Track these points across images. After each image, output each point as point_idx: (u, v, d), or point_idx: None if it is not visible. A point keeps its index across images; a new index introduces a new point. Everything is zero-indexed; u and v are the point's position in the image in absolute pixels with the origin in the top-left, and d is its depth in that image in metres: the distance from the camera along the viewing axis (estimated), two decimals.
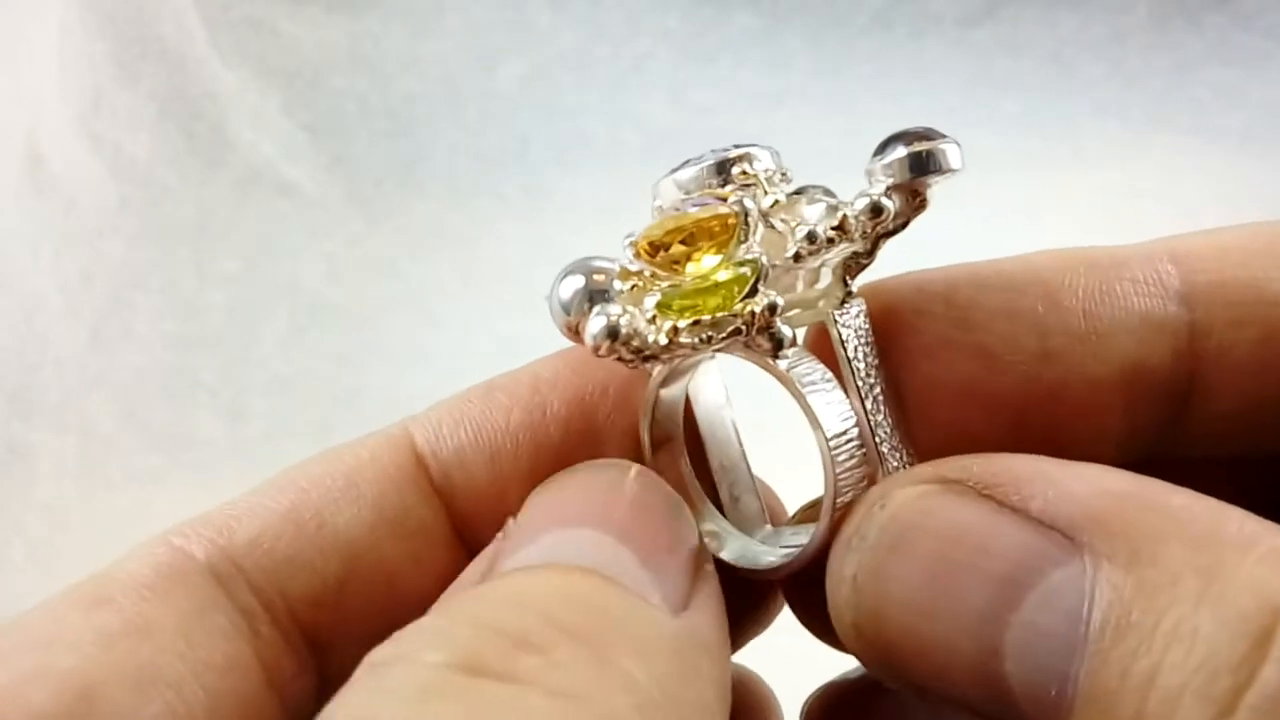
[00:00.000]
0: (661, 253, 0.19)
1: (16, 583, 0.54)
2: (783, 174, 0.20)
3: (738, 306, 0.18)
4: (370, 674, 0.15)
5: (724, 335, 0.18)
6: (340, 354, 0.66)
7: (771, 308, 0.18)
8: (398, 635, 0.15)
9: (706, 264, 0.19)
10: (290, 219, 0.73)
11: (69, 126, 0.70)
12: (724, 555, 0.21)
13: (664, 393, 0.20)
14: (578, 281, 0.18)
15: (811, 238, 0.19)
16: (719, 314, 0.18)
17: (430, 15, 0.82)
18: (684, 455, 0.21)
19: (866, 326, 0.20)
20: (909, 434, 0.20)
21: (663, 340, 0.18)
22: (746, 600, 0.22)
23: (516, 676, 0.14)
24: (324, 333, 0.67)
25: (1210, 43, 0.84)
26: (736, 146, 0.20)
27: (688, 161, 0.20)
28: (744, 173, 0.19)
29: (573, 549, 0.17)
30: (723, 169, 0.20)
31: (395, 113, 0.79)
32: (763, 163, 0.20)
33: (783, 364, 0.19)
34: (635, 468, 0.18)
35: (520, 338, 0.64)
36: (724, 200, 0.19)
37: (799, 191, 0.19)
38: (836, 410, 0.19)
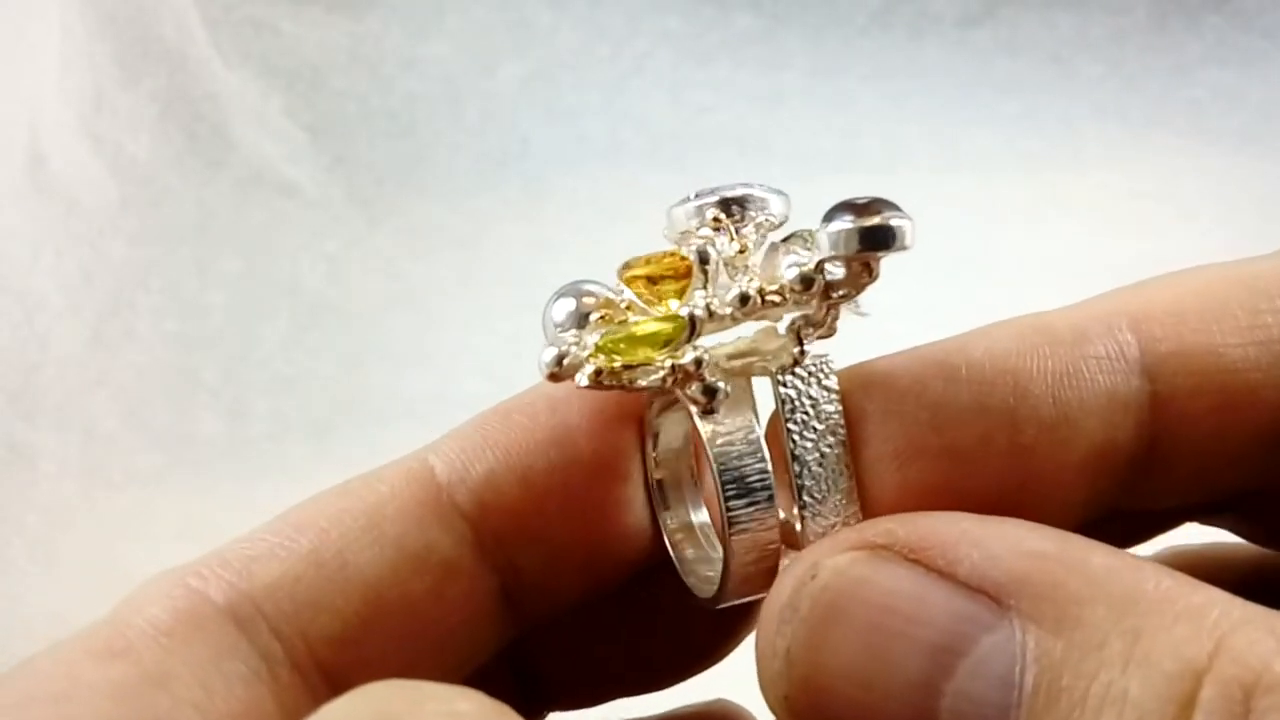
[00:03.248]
0: (651, 284, 0.19)
1: (18, 583, 0.54)
2: (775, 223, 0.19)
3: (663, 358, 0.18)
4: None
5: (645, 384, 0.18)
6: (341, 354, 0.66)
7: (697, 362, 0.18)
8: None
9: (673, 306, 0.19)
10: (291, 219, 0.73)
11: (70, 127, 0.70)
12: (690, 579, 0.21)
13: (665, 419, 0.21)
14: (569, 304, 0.19)
15: (744, 299, 0.18)
16: (641, 362, 0.18)
17: (430, 16, 0.82)
18: (690, 475, 0.21)
19: (819, 394, 0.19)
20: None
21: (584, 382, 0.18)
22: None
23: None
24: (325, 333, 0.67)
25: (1209, 44, 0.84)
26: (744, 185, 0.20)
27: (698, 193, 0.20)
28: (715, 219, 0.19)
29: None
30: (725, 206, 0.19)
31: (396, 113, 0.79)
32: (768, 207, 0.19)
33: (708, 422, 0.19)
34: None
35: (520, 337, 0.64)
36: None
37: (790, 238, 0.19)
38: (751, 468, 0.19)
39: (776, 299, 0.19)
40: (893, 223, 0.18)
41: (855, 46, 0.85)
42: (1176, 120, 0.81)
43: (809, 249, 0.19)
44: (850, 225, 0.18)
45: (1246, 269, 0.20)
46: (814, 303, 0.19)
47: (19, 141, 0.66)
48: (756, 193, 0.19)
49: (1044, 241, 0.72)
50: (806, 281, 0.18)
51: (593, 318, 0.19)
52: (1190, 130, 0.80)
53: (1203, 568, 0.23)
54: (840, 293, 0.19)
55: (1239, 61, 0.83)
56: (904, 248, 0.18)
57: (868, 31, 0.85)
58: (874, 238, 0.18)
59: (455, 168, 0.78)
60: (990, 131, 0.80)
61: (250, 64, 0.78)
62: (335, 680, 0.19)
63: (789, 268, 0.18)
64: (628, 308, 0.19)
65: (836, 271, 0.19)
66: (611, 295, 0.19)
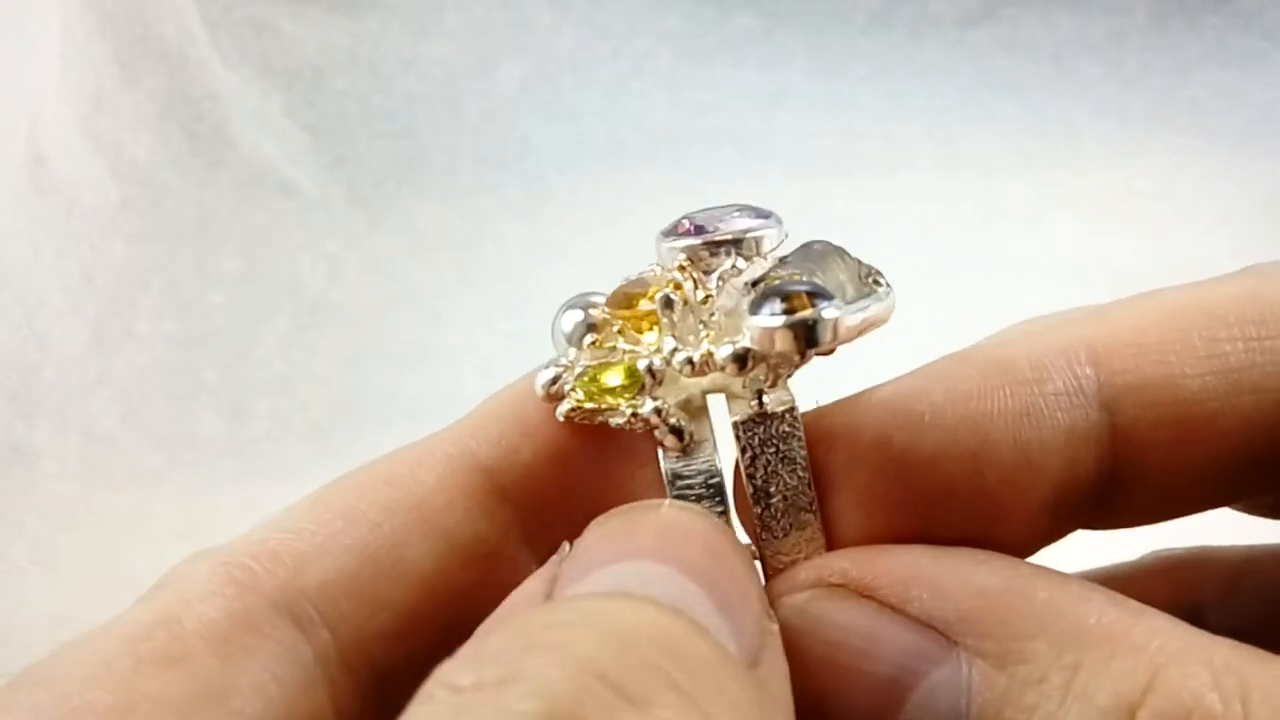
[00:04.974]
0: (633, 308, 0.20)
1: (18, 583, 0.54)
2: (740, 270, 0.19)
3: (626, 404, 0.19)
4: (447, 708, 0.14)
5: (613, 424, 0.19)
6: (341, 354, 0.66)
7: (656, 411, 0.19)
8: (477, 654, 0.15)
9: (648, 339, 0.20)
10: (291, 219, 0.73)
11: (70, 127, 0.70)
12: None
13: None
14: (577, 316, 0.20)
15: (690, 363, 0.19)
16: (607, 407, 0.19)
17: (430, 16, 0.82)
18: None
19: (779, 442, 0.19)
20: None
21: (560, 417, 0.19)
22: None
23: None
24: (325, 332, 0.67)
25: (1209, 44, 0.84)
26: (738, 210, 0.20)
27: (683, 218, 0.20)
28: (681, 266, 0.19)
29: (646, 581, 0.17)
30: (694, 252, 0.20)
31: (396, 113, 0.79)
32: (742, 248, 0.19)
33: (673, 461, 0.19)
34: (705, 513, 0.19)
35: (520, 337, 0.64)
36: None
37: (759, 281, 0.19)
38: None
39: (721, 365, 0.19)
40: (824, 315, 0.18)
41: (855, 46, 0.85)
42: (1176, 120, 0.81)
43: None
44: (778, 323, 0.18)
45: (1207, 294, 0.20)
46: (760, 370, 0.19)
47: (19, 141, 0.66)
48: (737, 226, 0.19)
49: (1044, 241, 0.72)
50: (739, 360, 0.19)
51: (585, 341, 0.20)
52: (1190, 130, 0.80)
53: (1189, 570, 0.24)
54: (776, 374, 0.19)
55: (1239, 61, 0.83)
56: (836, 342, 0.18)
57: (868, 31, 0.85)
58: (802, 337, 0.18)
59: (455, 168, 0.78)
60: (990, 131, 0.80)
61: (250, 64, 0.78)
62: (385, 677, 0.19)
63: (724, 346, 0.19)
64: (619, 331, 0.20)
65: (753, 356, 0.19)
66: (608, 316, 0.20)
